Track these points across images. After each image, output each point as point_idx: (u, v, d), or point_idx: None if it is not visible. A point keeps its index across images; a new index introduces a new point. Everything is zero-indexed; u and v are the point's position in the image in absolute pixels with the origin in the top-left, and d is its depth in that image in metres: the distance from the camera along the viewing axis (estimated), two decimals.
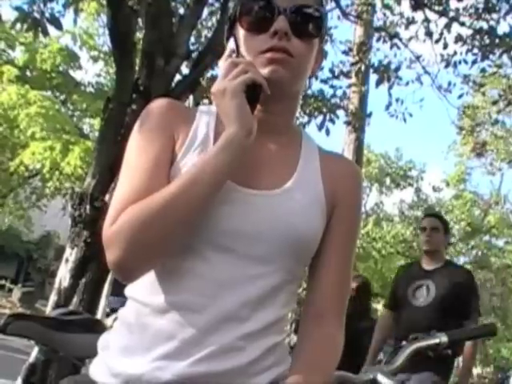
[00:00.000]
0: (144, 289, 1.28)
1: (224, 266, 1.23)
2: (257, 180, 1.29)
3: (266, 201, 1.28)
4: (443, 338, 1.95)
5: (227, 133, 1.22)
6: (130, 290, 1.33)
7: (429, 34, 9.72)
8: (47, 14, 6.57)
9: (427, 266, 4.53)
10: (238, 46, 1.33)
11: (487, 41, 9.20)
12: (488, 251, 30.50)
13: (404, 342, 2.84)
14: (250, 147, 1.24)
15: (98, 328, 2.40)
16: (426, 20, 9.68)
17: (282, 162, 1.35)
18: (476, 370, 40.17)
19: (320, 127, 9.10)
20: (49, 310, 6.35)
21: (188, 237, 1.22)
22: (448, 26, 9.29)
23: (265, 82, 1.26)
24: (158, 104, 1.37)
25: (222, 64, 1.31)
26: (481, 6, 9.24)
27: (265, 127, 1.33)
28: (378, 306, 35.55)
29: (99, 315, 9.08)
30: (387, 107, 10.36)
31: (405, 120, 10.42)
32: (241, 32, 1.33)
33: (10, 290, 25.00)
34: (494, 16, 9.19)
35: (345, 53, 10.81)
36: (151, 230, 1.17)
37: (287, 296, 1.32)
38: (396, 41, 10.45)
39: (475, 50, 9.44)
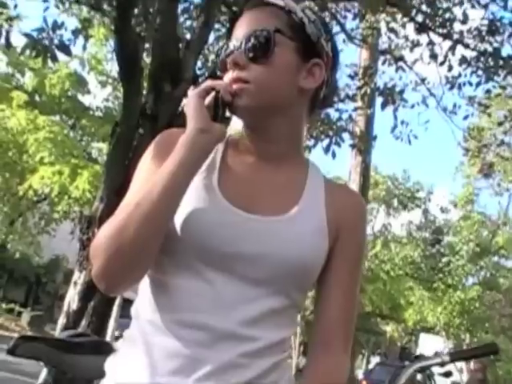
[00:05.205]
0: (147, 307, 1.31)
1: (224, 286, 1.26)
2: (258, 206, 1.32)
3: (267, 226, 1.30)
4: (445, 358, 1.97)
5: (186, 131, 1.27)
6: (134, 309, 1.36)
7: (433, 56, 9.75)
8: (56, 41, 6.67)
9: None
10: None
11: (491, 63, 9.23)
12: (496, 272, 30.37)
13: (407, 362, 2.85)
14: (208, 147, 1.28)
15: (107, 350, 2.42)
16: (431, 43, 9.71)
17: (286, 190, 1.37)
18: None
19: (326, 150, 9.15)
20: (58, 333, 6.37)
21: (159, 242, 1.24)
22: (452, 49, 9.33)
23: (226, 90, 1.30)
24: (166, 133, 1.41)
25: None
26: (484, 28, 9.29)
27: (265, 155, 1.39)
28: (387, 328, 35.40)
29: (108, 337, 9.07)
30: (393, 129, 10.39)
31: (410, 142, 10.44)
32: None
33: (20, 314, 24.95)
34: (498, 38, 9.23)
35: (350, 76, 10.86)
36: (122, 235, 1.20)
37: (287, 319, 1.35)
38: (401, 63, 10.55)
39: (480, 72, 9.47)
